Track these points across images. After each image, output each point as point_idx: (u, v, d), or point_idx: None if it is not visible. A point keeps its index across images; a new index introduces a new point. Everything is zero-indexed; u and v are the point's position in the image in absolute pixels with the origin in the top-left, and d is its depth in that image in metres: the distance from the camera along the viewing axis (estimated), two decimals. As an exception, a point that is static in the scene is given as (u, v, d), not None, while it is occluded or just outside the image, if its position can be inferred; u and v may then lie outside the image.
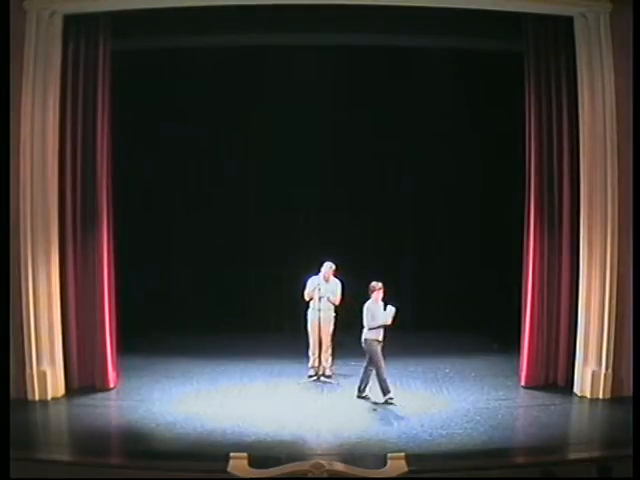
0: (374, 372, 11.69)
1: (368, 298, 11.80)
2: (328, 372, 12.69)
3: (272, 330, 14.74)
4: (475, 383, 12.54)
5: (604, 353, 11.80)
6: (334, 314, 12.75)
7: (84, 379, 12.19)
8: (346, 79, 14.50)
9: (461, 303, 14.94)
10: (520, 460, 10.45)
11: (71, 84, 11.85)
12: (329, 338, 12.74)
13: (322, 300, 12.61)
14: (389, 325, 11.66)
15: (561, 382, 12.30)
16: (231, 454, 8.76)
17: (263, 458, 9.12)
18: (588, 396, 11.87)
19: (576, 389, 12.06)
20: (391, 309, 11.62)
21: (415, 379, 12.68)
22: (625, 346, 11.66)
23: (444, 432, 10.59)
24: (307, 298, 12.72)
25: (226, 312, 14.91)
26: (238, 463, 8.65)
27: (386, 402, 11.54)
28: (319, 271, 12.72)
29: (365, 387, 11.83)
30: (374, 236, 15.15)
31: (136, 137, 14.12)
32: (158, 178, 14.87)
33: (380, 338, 11.68)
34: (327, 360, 12.74)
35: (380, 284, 11.75)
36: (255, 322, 14.77)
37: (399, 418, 11.19)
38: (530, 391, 12.20)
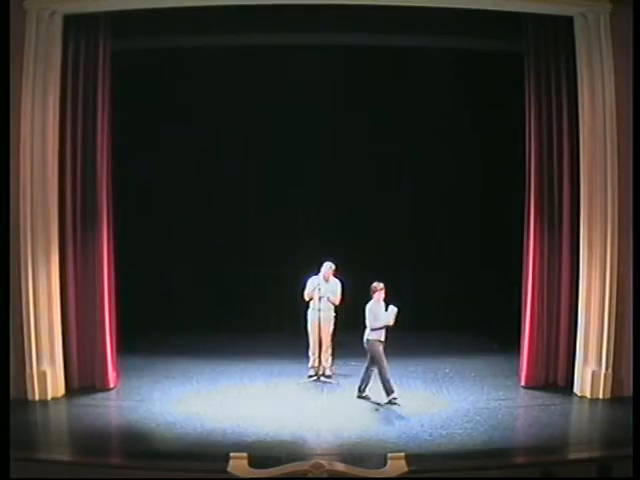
0: (376, 372, 11.69)
1: (368, 298, 11.79)
2: (328, 372, 12.69)
3: (272, 330, 14.74)
4: (475, 383, 12.54)
5: (604, 353, 11.80)
6: (334, 314, 12.75)
7: (84, 379, 12.19)
8: (346, 79, 14.49)
9: (461, 303, 14.93)
10: (520, 460, 10.46)
11: (71, 84, 11.85)
12: (329, 338, 12.74)
13: (322, 300, 12.61)
14: (391, 325, 11.66)
15: (561, 382, 12.30)
16: (231, 454, 8.77)
17: (263, 458, 9.12)
18: (588, 396, 11.87)
19: (576, 389, 12.06)
20: (393, 309, 11.62)
21: (415, 379, 12.68)
22: (625, 346, 11.66)
23: (444, 432, 10.59)
24: (307, 298, 12.72)
25: (226, 312, 14.90)
26: (238, 463, 8.65)
27: (389, 402, 11.54)
28: (319, 271, 12.72)
29: (365, 387, 11.83)
30: (374, 236, 15.13)
31: (136, 137, 14.11)
32: (158, 178, 14.87)
33: (382, 338, 11.67)
34: (327, 360, 12.74)
35: (381, 284, 11.75)
36: (255, 322, 14.76)
37: (399, 418, 11.20)
38: (530, 391, 12.20)
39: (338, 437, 10.51)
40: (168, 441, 10.47)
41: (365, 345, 11.73)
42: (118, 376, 12.45)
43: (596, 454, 10.28)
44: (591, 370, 11.89)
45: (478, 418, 11.07)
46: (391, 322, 11.62)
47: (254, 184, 15.05)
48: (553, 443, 10.47)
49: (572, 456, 10.32)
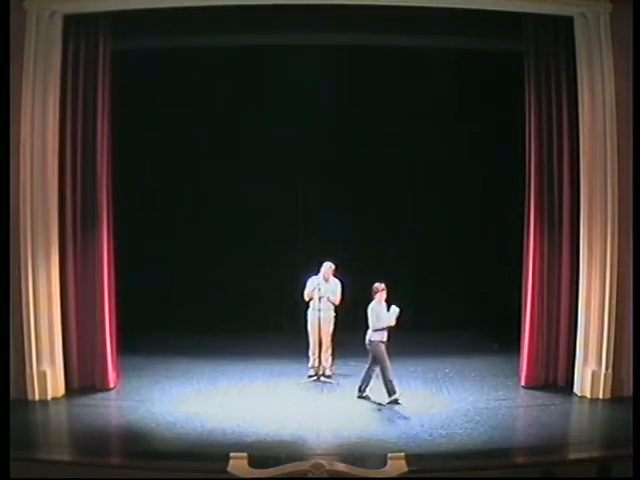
0: (378, 373, 11.68)
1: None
2: (328, 372, 12.69)
3: (272, 330, 14.73)
4: (475, 383, 12.54)
5: (604, 353, 11.80)
6: (334, 314, 12.75)
7: (84, 379, 12.19)
8: (346, 79, 14.49)
9: (461, 303, 14.93)
10: (520, 460, 10.46)
11: (71, 84, 11.85)
12: (329, 338, 12.74)
13: (322, 300, 12.61)
14: (392, 326, 11.66)
15: (561, 382, 12.30)
16: (231, 454, 8.76)
17: (263, 458, 9.12)
18: (588, 396, 11.87)
19: (576, 389, 12.06)
20: (395, 310, 11.61)
21: (415, 379, 12.67)
22: (625, 346, 11.66)
23: (444, 432, 10.60)
24: (307, 298, 12.72)
25: (226, 312, 14.89)
26: (238, 463, 8.65)
27: (391, 403, 11.53)
28: (319, 271, 12.73)
29: (366, 387, 11.83)
30: (374, 236, 15.13)
31: (136, 137, 14.11)
32: (158, 178, 14.87)
33: (385, 339, 11.66)
34: (327, 360, 12.74)
35: (383, 285, 11.74)
36: (255, 322, 14.75)
37: (399, 418, 11.20)
38: (530, 391, 12.20)
39: (338, 437, 10.51)
40: (168, 441, 10.47)
41: (367, 346, 11.72)
42: (118, 376, 12.45)
43: (596, 454, 10.29)
44: (591, 370, 11.89)
45: (478, 418, 11.08)
46: (393, 323, 11.62)
47: (254, 184, 15.03)
48: (553, 443, 10.48)
49: (572, 456, 10.32)
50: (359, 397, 11.84)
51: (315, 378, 12.58)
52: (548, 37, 11.92)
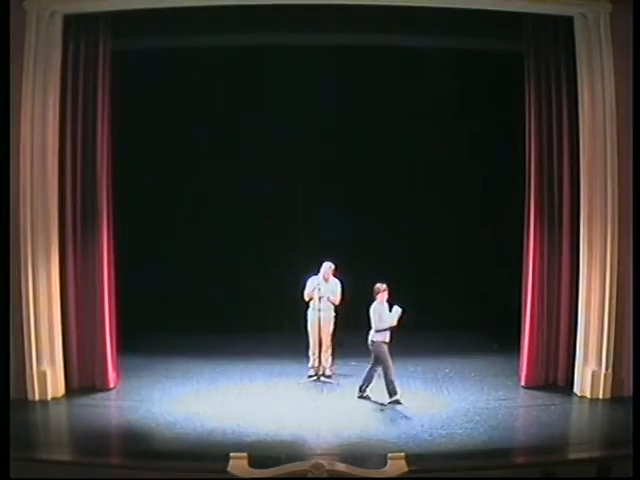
0: (380, 373, 11.68)
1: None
2: (328, 372, 12.69)
3: (272, 330, 14.73)
4: (475, 383, 12.54)
5: (604, 353, 11.80)
6: (334, 314, 12.75)
7: (84, 379, 12.19)
8: (346, 79, 14.49)
9: (461, 303, 14.93)
10: (520, 460, 10.46)
11: (71, 84, 11.85)
12: (329, 338, 12.73)
13: (322, 300, 12.61)
14: (394, 326, 11.66)
15: (561, 382, 12.30)
16: (231, 454, 8.76)
17: (263, 458, 9.12)
18: (588, 396, 11.87)
19: (576, 389, 12.06)
20: (397, 310, 11.61)
21: (415, 379, 12.67)
22: (625, 346, 11.66)
23: (444, 432, 10.60)
24: (307, 298, 12.72)
25: (226, 312, 14.89)
26: (238, 463, 8.65)
27: (392, 403, 11.52)
28: (319, 271, 12.73)
29: (367, 387, 11.82)
30: (374, 236, 15.13)
31: (136, 137, 14.11)
32: (158, 178, 14.88)
33: (387, 339, 11.66)
34: (327, 360, 12.74)
35: (384, 285, 11.74)
36: (255, 322, 14.75)
37: (399, 418, 11.20)
38: (530, 391, 12.20)
39: (338, 437, 10.51)
40: (168, 441, 10.47)
41: (370, 346, 11.71)
42: (118, 376, 12.45)
43: (596, 454, 10.29)
44: (591, 370, 11.89)
45: (478, 418, 11.07)
46: (394, 323, 11.62)
47: (254, 184, 15.03)
48: (553, 443, 10.47)
49: (572, 456, 10.32)
50: (359, 397, 11.84)
51: (315, 378, 12.58)
52: (548, 37, 11.92)
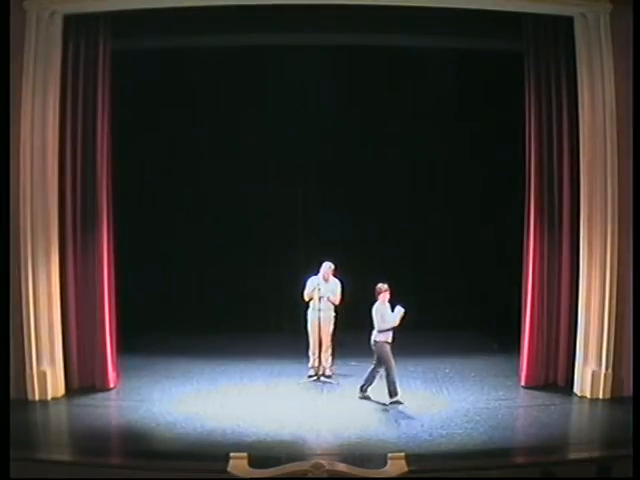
0: (382, 374, 11.67)
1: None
2: (328, 372, 12.69)
3: (272, 330, 14.73)
4: (475, 383, 12.54)
5: (604, 353, 11.80)
6: (334, 314, 12.75)
7: (84, 379, 12.19)
8: (346, 79, 14.49)
9: (461, 303, 14.93)
10: (520, 460, 10.46)
11: (71, 84, 11.85)
12: (329, 338, 12.73)
13: (322, 300, 12.61)
14: (396, 326, 11.65)
15: (561, 382, 12.30)
16: (231, 454, 8.76)
17: (263, 458, 9.12)
18: (588, 396, 11.87)
19: (576, 389, 12.06)
20: (400, 310, 11.61)
21: (415, 379, 12.67)
22: (625, 346, 11.66)
23: (444, 432, 10.60)
24: (307, 298, 12.72)
25: (226, 312, 14.89)
26: (238, 463, 8.65)
27: (393, 404, 11.52)
28: (319, 271, 12.73)
29: (368, 387, 11.81)
30: (374, 236, 15.13)
31: (136, 137, 14.11)
32: (158, 178, 14.88)
33: (390, 339, 11.65)
34: (327, 360, 12.74)
35: (386, 285, 11.73)
36: (255, 322, 14.75)
37: (399, 418, 11.20)
38: (530, 391, 12.20)
39: (338, 437, 10.51)
40: (168, 441, 10.47)
41: (372, 347, 11.71)
42: (118, 376, 12.45)
43: (596, 454, 10.29)
44: (591, 370, 11.89)
45: (478, 418, 11.07)
46: (396, 323, 11.62)
47: (254, 184, 15.03)
48: (553, 443, 10.47)
49: (572, 456, 10.32)
50: (360, 397, 11.83)
51: (315, 378, 12.58)
52: (548, 37, 11.92)
